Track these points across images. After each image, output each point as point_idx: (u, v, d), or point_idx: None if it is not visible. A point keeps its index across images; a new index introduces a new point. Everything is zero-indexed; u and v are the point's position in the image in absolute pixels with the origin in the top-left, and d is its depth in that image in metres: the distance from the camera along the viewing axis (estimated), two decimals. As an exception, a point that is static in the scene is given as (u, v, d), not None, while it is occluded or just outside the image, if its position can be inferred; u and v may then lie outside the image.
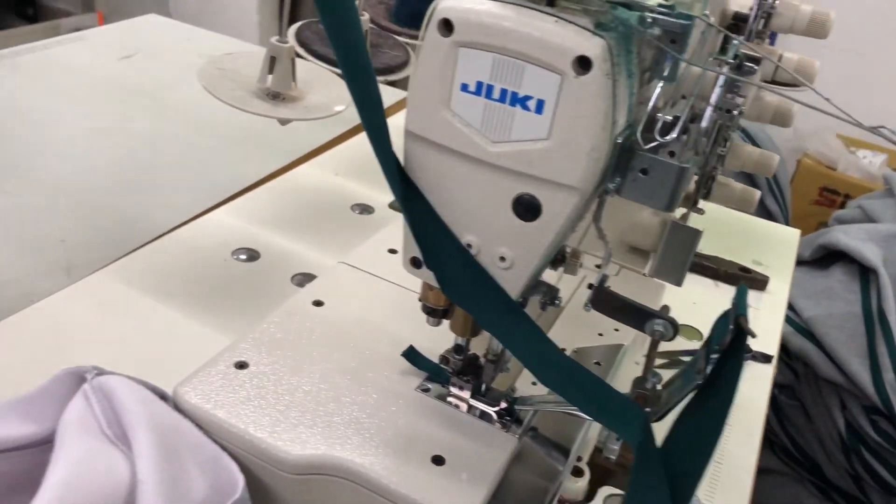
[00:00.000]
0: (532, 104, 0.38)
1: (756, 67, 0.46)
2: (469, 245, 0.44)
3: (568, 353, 0.59)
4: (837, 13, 0.60)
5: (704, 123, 0.41)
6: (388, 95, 1.24)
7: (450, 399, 0.52)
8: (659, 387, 0.48)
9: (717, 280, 0.97)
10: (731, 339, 0.41)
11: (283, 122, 0.72)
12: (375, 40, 0.85)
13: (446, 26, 0.38)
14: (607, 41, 0.36)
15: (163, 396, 0.49)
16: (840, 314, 1.21)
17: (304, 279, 0.79)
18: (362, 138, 1.12)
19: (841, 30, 0.67)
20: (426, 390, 0.52)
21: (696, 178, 0.63)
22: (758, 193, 0.74)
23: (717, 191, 0.70)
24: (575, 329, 0.62)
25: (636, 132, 0.41)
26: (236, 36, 1.42)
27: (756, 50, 0.44)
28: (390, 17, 0.95)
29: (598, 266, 0.59)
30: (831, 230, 1.34)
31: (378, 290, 0.61)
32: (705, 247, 1.01)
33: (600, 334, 0.63)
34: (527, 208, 0.41)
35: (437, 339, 0.56)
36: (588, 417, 0.49)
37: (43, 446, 0.49)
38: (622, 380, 0.62)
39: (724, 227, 1.09)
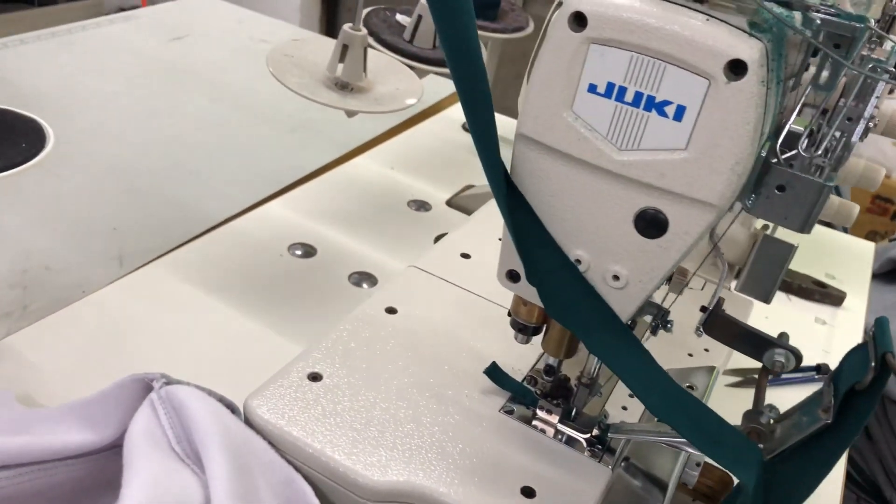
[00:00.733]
0: (670, 110, 0.34)
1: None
2: (578, 261, 0.40)
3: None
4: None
5: (855, 138, 0.37)
6: (444, 87, 1.20)
7: (535, 422, 0.48)
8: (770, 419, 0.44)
9: (790, 293, 0.92)
10: (873, 377, 0.37)
11: (351, 114, 0.68)
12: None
13: (578, 20, 0.34)
14: (764, 43, 0.32)
15: (231, 408, 0.45)
16: (907, 331, 1.15)
17: (360, 278, 0.75)
18: (418, 131, 1.08)
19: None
20: (510, 412, 0.49)
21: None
22: (857, 207, 0.69)
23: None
24: (661, 348, 0.58)
25: (776, 145, 0.37)
26: (276, 17, 1.38)
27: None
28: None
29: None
30: (900, 243, 1.28)
31: (453, 298, 0.57)
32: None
33: (690, 354, 0.59)
34: (651, 224, 0.37)
35: (520, 356, 0.52)
36: (693, 451, 0.45)
37: (104, 453, 0.46)
38: (714, 404, 0.57)
39: (795, 237, 1.04)
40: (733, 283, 0.51)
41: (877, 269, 1.26)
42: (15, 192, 0.78)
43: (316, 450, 0.43)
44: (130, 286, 0.67)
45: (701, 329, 0.43)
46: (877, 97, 0.36)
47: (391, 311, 0.55)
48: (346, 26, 0.66)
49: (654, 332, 0.43)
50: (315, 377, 0.48)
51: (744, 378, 0.77)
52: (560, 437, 0.48)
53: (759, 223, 0.72)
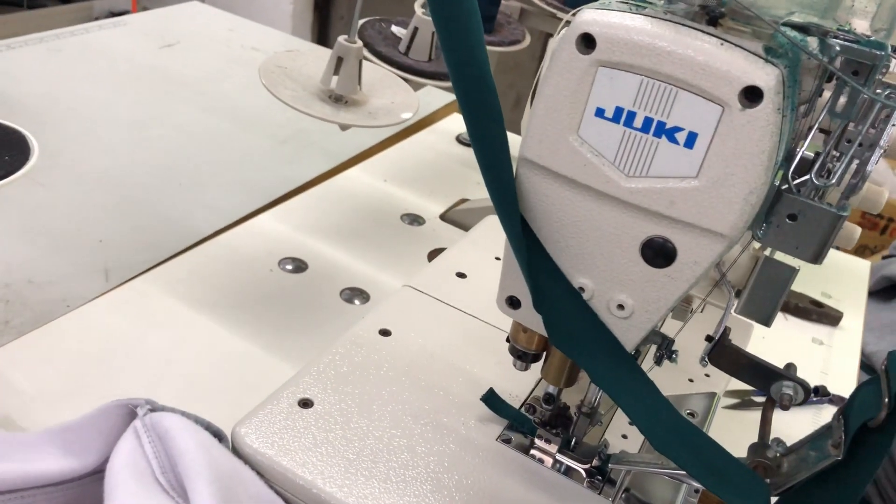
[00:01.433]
0: (681, 137, 0.32)
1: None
2: (581, 288, 0.38)
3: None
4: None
5: (870, 167, 0.36)
6: (438, 98, 1.19)
7: (534, 451, 0.47)
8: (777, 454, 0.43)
9: (787, 313, 0.91)
10: (887, 414, 0.36)
11: (344, 127, 0.66)
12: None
13: (586, 42, 0.32)
14: (781, 70, 0.31)
15: (218, 436, 0.44)
16: (903, 349, 1.14)
17: (352, 294, 0.74)
18: (411, 142, 1.07)
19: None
20: (507, 440, 0.47)
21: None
22: (858, 230, 0.68)
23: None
24: (662, 373, 0.57)
25: (788, 172, 0.36)
26: (268, 24, 1.37)
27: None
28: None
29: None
30: (895, 261, 1.28)
31: (449, 320, 0.56)
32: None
33: (690, 380, 0.57)
34: (658, 253, 0.36)
35: (519, 381, 0.51)
36: (694, 483, 0.44)
37: (85, 480, 0.44)
38: (714, 426, 0.56)
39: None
40: (734, 301, 0.50)
41: (872, 287, 1.25)
42: (-2, 202, 0.76)
43: (307, 481, 0.41)
44: (116, 301, 0.65)
45: (706, 359, 0.42)
46: (893, 125, 0.35)
47: (385, 333, 0.53)
48: (342, 38, 0.65)
49: (658, 363, 0.42)
50: (306, 403, 0.46)
51: (742, 400, 0.76)
52: (559, 466, 0.46)
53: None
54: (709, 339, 0.42)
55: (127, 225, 0.77)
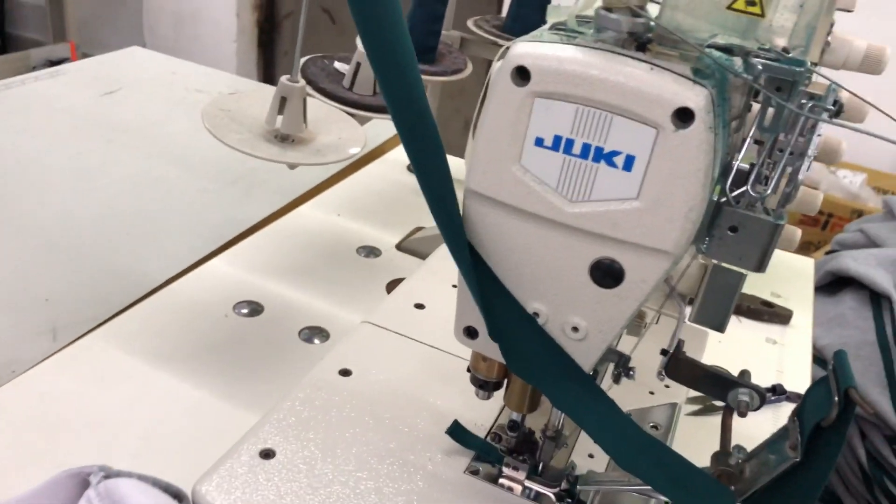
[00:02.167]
0: (619, 160, 0.33)
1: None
2: (536, 314, 0.39)
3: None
4: (894, 48, 0.56)
5: (801, 176, 0.37)
6: (386, 129, 1.19)
7: (502, 480, 0.47)
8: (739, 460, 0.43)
9: (740, 315, 0.93)
10: (837, 412, 0.36)
11: (293, 166, 0.66)
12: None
13: (521, 74, 0.33)
14: (709, 90, 0.31)
15: (178, 496, 0.43)
16: (854, 342, 1.17)
17: (311, 333, 0.73)
18: (362, 175, 1.07)
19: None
20: (475, 472, 0.47)
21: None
22: (798, 232, 0.70)
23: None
24: (622, 388, 0.57)
25: (725, 186, 0.36)
26: (212, 64, 1.36)
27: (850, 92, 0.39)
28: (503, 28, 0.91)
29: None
30: (839, 256, 1.31)
31: (410, 353, 0.55)
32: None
33: (651, 392, 0.58)
34: (607, 274, 0.36)
35: (483, 410, 0.51)
36: (662, 497, 0.44)
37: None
38: (678, 435, 0.57)
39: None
40: (686, 311, 0.51)
41: (817, 283, 1.28)
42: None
43: (273, 534, 0.41)
44: (65, 362, 0.63)
45: (663, 373, 0.42)
46: (818, 135, 0.36)
47: (345, 373, 0.53)
48: (284, 78, 0.65)
49: (616, 381, 0.42)
50: (267, 454, 0.45)
51: (704, 406, 0.77)
52: (528, 493, 0.46)
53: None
54: (664, 353, 0.42)
55: (74, 280, 0.75)
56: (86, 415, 0.58)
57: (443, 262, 0.67)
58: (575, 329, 0.38)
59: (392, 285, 0.80)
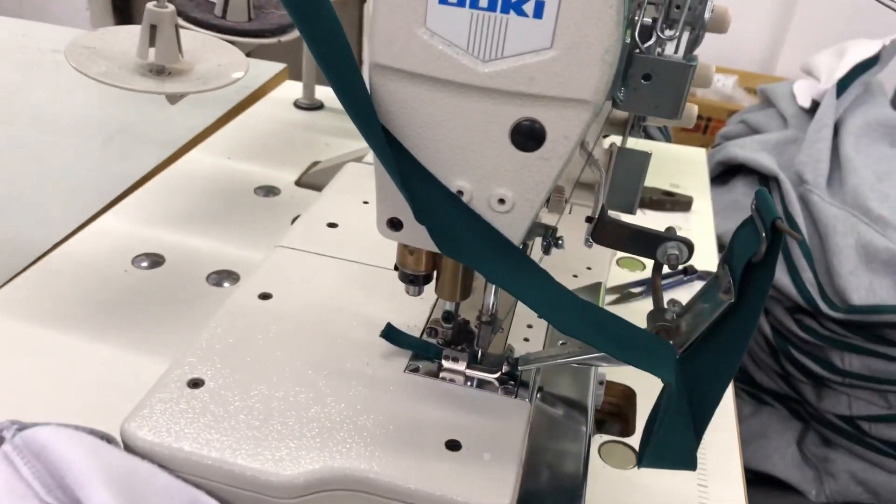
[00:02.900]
0: (529, 8, 0.32)
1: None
2: (460, 192, 0.37)
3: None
4: None
5: (707, 15, 0.37)
6: (264, 70, 1.14)
7: (443, 374, 0.46)
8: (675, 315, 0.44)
9: (644, 208, 0.96)
10: (767, 246, 0.37)
11: (174, 99, 0.61)
12: (258, 2, 0.76)
13: (414, -77, 0.31)
14: (610, -81, 0.30)
15: (107, 439, 0.39)
16: (750, 225, 1.23)
17: (220, 277, 0.70)
18: (248, 116, 1.02)
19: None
20: (415, 370, 0.46)
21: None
22: (695, 108, 0.71)
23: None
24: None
25: (635, 32, 0.36)
26: (64, 24, 1.26)
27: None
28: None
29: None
30: (725, 146, 1.37)
31: (330, 270, 0.53)
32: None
33: (575, 276, 0.58)
34: (528, 136, 0.35)
35: (415, 312, 0.50)
36: (601, 364, 0.45)
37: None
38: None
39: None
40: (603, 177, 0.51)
41: (710, 174, 1.34)
42: None
43: (215, 459, 0.38)
44: (-47, 338, 0.58)
45: (590, 239, 0.42)
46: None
47: (265, 296, 0.50)
48: (151, 5, 0.59)
49: (546, 252, 0.42)
50: (196, 383, 0.42)
51: (621, 294, 0.78)
52: (471, 382, 0.46)
53: (608, 141, 0.73)
54: (589, 219, 0.42)
55: (-52, 256, 0.68)
56: (-14, 387, 0.53)
57: (350, 180, 0.64)
58: (501, 201, 0.37)
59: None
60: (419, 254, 0.42)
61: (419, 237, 0.39)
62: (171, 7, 0.60)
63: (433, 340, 0.46)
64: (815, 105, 1.31)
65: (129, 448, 0.39)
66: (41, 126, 0.93)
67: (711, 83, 0.67)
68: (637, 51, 0.36)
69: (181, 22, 0.68)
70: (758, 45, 2.52)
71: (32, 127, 0.92)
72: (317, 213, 0.59)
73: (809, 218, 1.19)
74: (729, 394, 0.65)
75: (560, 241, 0.42)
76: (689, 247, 0.42)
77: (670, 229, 0.43)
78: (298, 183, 0.87)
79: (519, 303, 0.43)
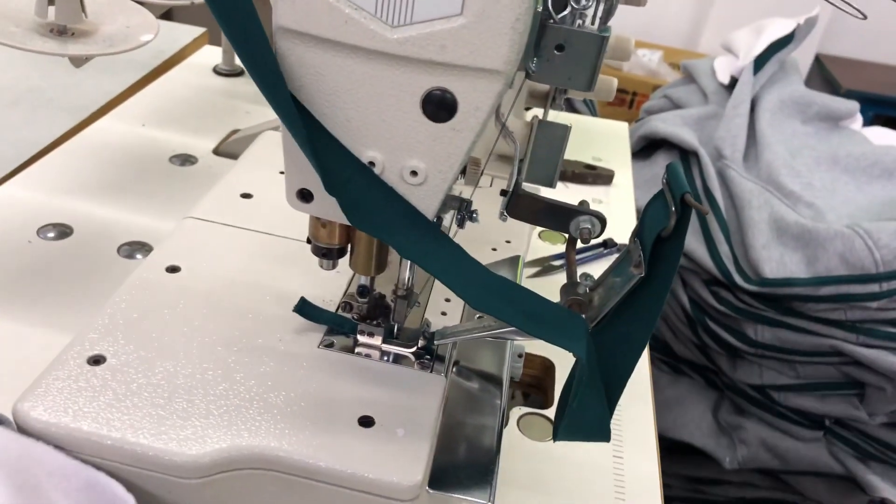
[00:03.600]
0: (438, -28, 0.31)
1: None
2: (372, 163, 0.36)
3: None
4: None
5: (620, -15, 0.36)
6: (182, 33, 1.09)
7: (359, 349, 0.45)
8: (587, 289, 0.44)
9: (565, 181, 0.96)
10: (677, 220, 0.38)
11: (78, 62, 0.58)
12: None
13: None
14: None
15: (-2, 420, 0.37)
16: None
17: (132, 249, 0.67)
18: (165, 82, 0.98)
19: None
20: (329, 345, 0.45)
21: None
22: (615, 81, 0.71)
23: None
24: (463, 244, 0.57)
25: (547, 1, 0.35)
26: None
27: None
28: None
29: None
30: (648, 120, 1.39)
31: (242, 243, 0.52)
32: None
33: (494, 249, 0.58)
34: (440, 106, 0.34)
35: (329, 286, 0.48)
36: (517, 338, 0.45)
37: None
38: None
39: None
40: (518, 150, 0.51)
41: (632, 148, 1.36)
42: None
43: (116, 439, 0.37)
44: None
45: (505, 213, 0.42)
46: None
47: (173, 269, 0.48)
48: (47, -42, 0.56)
49: (460, 225, 0.41)
50: (97, 360, 0.41)
51: (542, 267, 0.79)
52: (387, 357, 0.45)
53: (531, 114, 0.73)
54: (503, 193, 0.42)
55: None
56: None
57: (267, 150, 0.62)
58: (414, 173, 0.36)
59: (215, 189, 0.75)
60: (332, 226, 0.41)
61: (330, 209, 0.38)
62: (71, -38, 0.57)
63: (348, 315, 0.46)
64: (734, 81, 1.34)
65: (22, 429, 0.37)
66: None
67: (630, 56, 0.67)
68: (551, 21, 0.36)
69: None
70: (682, 21, 2.57)
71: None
72: (230, 182, 0.57)
73: (727, 192, 1.22)
74: (645, 366, 0.66)
75: (475, 215, 0.41)
76: (602, 221, 0.42)
77: (583, 203, 0.43)
78: (216, 152, 0.84)
79: (435, 276, 0.43)
